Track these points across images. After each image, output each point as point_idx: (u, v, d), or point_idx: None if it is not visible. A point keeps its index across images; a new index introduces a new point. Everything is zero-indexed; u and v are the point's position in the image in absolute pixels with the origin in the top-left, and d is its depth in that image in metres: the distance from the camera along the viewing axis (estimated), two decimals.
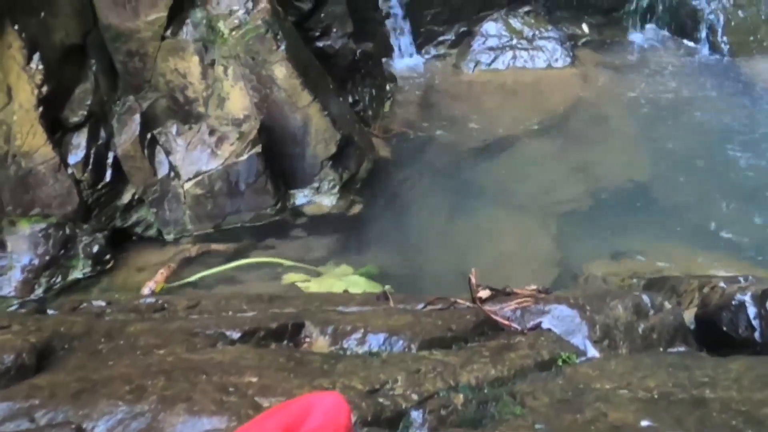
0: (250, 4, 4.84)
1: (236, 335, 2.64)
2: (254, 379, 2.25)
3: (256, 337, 2.64)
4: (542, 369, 2.51)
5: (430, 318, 2.80)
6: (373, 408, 2.15)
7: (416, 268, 4.68)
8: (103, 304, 3.40)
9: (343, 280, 4.38)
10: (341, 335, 2.66)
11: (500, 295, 3.02)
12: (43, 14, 4.46)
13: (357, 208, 5.04)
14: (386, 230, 4.94)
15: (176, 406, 2.12)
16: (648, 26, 6.84)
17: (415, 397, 2.25)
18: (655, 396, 2.21)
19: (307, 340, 2.69)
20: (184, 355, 2.45)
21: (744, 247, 4.52)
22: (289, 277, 4.47)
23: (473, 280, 2.90)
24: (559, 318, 2.83)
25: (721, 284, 3.37)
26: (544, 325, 2.83)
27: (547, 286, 3.26)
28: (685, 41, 6.70)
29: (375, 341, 2.62)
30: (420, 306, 3.01)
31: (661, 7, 6.76)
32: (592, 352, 2.72)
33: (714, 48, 6.52)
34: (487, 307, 2.87)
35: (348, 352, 2.61)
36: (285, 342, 2.66)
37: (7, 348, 2.51)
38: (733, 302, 3.15)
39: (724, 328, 3.13)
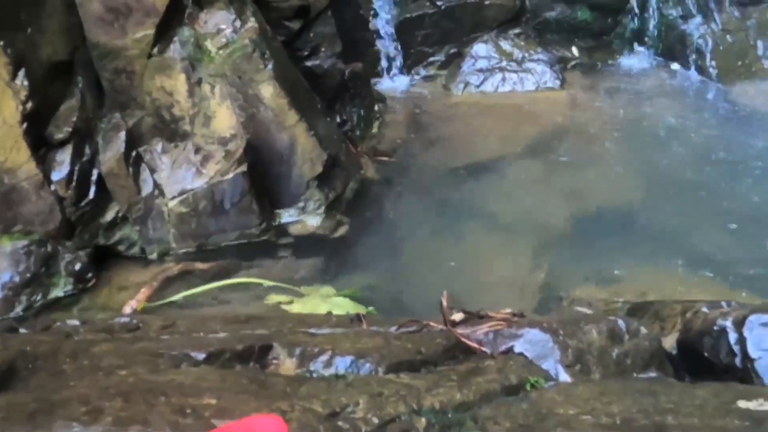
0: (237, 23, 4.85)
1: (201, 356, 2.60)
2: (213, 401, 2.21)
3: (222, 359, 2.60)
4: (509, 393, 2.48)
5: (400, 341, 2.77)
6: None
7: (401, 289, 4.65)
8: (77, 323, 3.37)
9: (327, 301, 4.35)
10: (308, 357, 2.63)
11: (474, 318, 3.00)
12: (29, 30, 4.46)
13: (342, 229, 5.01)
14: (372, 251, 4.91)
15: (131, 428, 2.08)
16: (637, 50, 6.86)
17: (375, 420, 2.21)
18: (618, 422, 2.17)
19: (275, 361, 2.66)
20: (146, 376, 2.41)
21: (729, 271, 4.48)
22: (273, 298, 4.43)
23: (445, 303, 2.88)
24: (531, 342, 2.80)
25: (704, 309, 3.35)
26: (517, 349, 2.80)
27: (523, 310, 3.22)
28: (674, 65, 6.71)
29: (342, 364, 2.59)
30: (393, 328, 2.98)
31: (650, 31, 6.80)
32: (564, 376, 2.69)
33: (702, 72, 6.54)
34: (459, 331, 2.84)
35: (314, 375, 2.57)
36: (251, 364, 2.63)
37: None
38: (715, 328, 3.11)
39: (706, 354, 3.10)
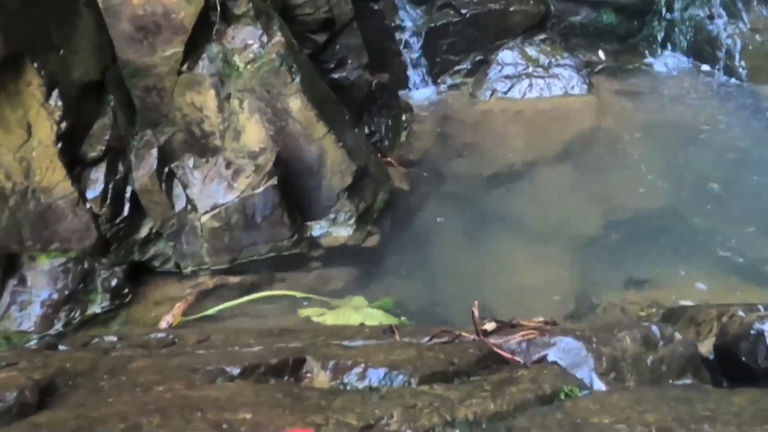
0: (264, 38, 4.89)
1: (236, 371, 2.64)
2: (248, 416, 2.24)
3: (257, 373, 2.63)
4: (544, 403, 2.48)
5: (433, 352, 2.78)
6: None
7: (433, 299, 4.65)
8: (115, 339, 3.43)
9: (360, 312, 4.36)
10: (342, 370, 2.65)
11: (506, 327, 3.00)
12: (62, 51, 4.53)
13: (373, 240, 5.03)
14: (403, 261, 4.91)
15: None
16: (665, 52, 6.82)
17: None
18: (653, 431, 2.17)
19: (309, 375, 2.69)
20: (182, 392, 2.45)
21: (764, 274, 4.43)
22: (305, 310, 4.46)
23: (476, 313, 2.89)
24: (564, 350, 2.80)
25: (740, 313, 3.30)
26: (550, 358, 2.80)
27: (555, 318, 3.22)
28: (703, 66, 6.65)
29: (375, 376, 2.61)
30: (425, 339, 2.99)
31: (677, 33, 6.75)
32: (599, 385, 2.69)
33: (731, 73, 6.47)
34: (491, 340, 2.85)
35: (348, 387, 2.60)
36: (286, 377, 2.66)
37: (10, 385, 2.54)
38: (752, 332, 3.08)
39: (743, 359, 3.07)
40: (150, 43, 4.72)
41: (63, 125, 4.48)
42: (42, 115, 4.45)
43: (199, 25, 4.74)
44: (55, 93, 4.44)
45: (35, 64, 4.37)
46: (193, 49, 4.79)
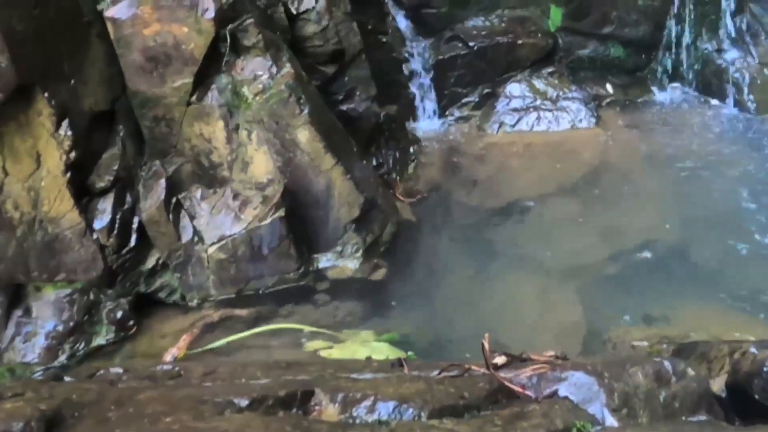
0: (274, 69, 4.91)
1: (244, 403, 2.61)
2: None
3: (265, 405, 2.60)
4: None
5: (443, 385, 2.75)
6: None
7: (440, 333, 4.62)
8: (120, 371, 3.40)
9: (366, 346, 4.33)
10: (351, 403, 2.62)
11: (516, 361, 2.97)
12: (73, 82, 4.56)
13: (380, 273, 5.01)
14: (410, 295, 4.89)
15: None
16: (673, 85, 6.84)
17: None
18: None
19: (317, 407, 2.66)
20: (191, 424, 2.42)
21: None
22: (312, 344, 4.43)
23: (486, 346, 2.86)
24: (576, 385, 2.76)
25: (752, 350, 3.25)
26: (561, 393, 2.76)
27: (566, 352, 3.18)
28: (711, 100, 6.67)
29: (385, 409, 2.58)
30: (434, 373, 2.96)
31: (685, 66, 6.78)
32: (611, 421, 2.65)
33: (740, 106, 6.49)
34: (501, 374, 2.82)
35: (357, 421, 2.56)
36: (294, 410, 2.63)
37: (17, 416, 2.51)
38: (765, 369, 3.04)
39: (756, 396, 3.03)
40: (160, 73, 4.75)
41: (72, 155, 4.50)
42: (51, 145, 4.46)
43: (208, 57, 4.76)
44: (65, 123, 4.46)
45: (46, 94, 4.39)
46: (202, 80, 4.82)
